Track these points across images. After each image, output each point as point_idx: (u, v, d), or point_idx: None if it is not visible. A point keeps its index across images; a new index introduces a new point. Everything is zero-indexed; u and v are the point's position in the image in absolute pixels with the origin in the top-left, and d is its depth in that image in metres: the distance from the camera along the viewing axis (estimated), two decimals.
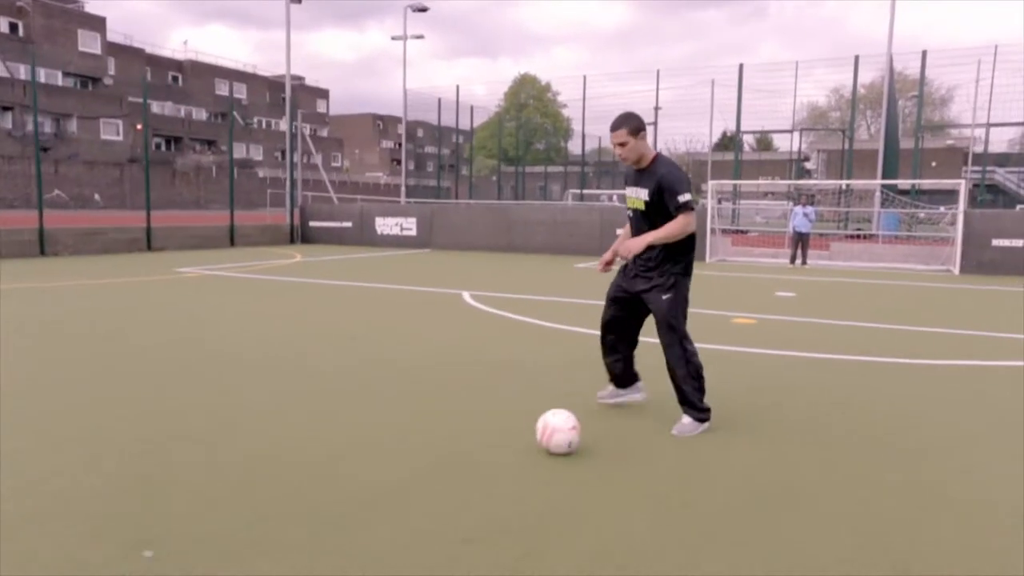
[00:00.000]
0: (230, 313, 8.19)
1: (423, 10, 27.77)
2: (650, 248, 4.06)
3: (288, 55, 24.08)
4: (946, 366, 5.98)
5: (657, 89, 24.91)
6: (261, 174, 52.64)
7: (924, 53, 19.42)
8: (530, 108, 73.98)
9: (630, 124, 4.11)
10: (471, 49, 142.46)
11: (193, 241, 19.76)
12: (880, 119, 64.00)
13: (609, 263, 4.40)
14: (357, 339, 6.72)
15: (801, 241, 15.63)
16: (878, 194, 20.50)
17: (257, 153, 63.88)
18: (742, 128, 23.49)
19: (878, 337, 7.22)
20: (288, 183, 23.10)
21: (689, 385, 4.13)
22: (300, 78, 77.75)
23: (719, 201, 21.76)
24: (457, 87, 29.52)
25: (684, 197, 3.96)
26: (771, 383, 5.30)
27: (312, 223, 22.69)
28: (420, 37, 28.98)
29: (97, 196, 35.63)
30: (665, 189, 4.02)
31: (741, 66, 22.17)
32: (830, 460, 3.68)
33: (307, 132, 28.71)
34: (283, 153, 71.47)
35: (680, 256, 4.12)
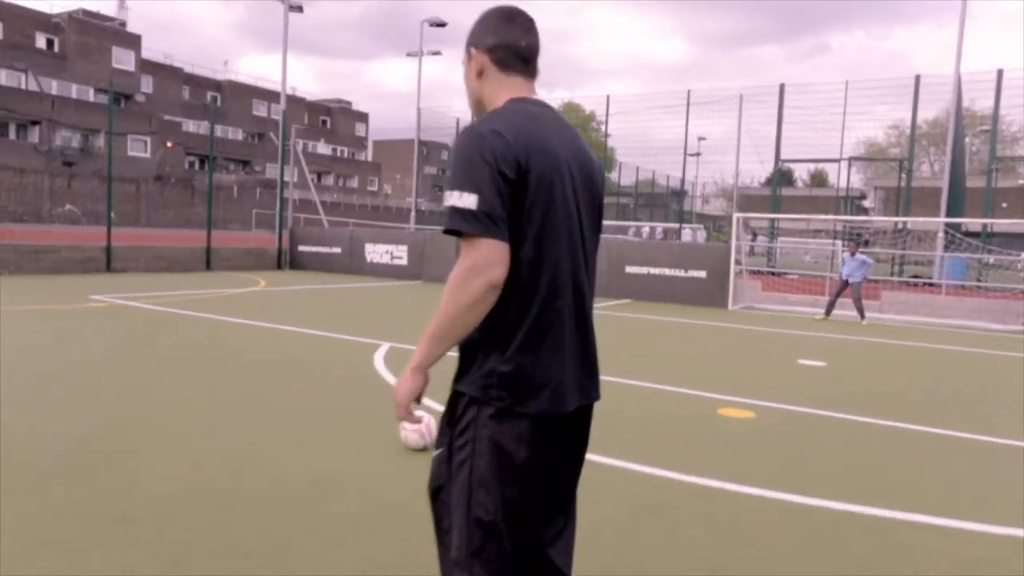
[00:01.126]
0: (29, 362, 6.04)
1: (441, 25, 26.07)
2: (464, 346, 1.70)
3: (284, 65, 22.53)
4: None
5: (688, 107, 22.43)
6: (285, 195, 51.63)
7: (1000, 72, 16.58)
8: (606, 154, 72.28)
9: (468, 34, 1.85)
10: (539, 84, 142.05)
11: (161, 263, 18.04)
12: (944, 156, 59.97)
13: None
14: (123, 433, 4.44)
15: (853, 292, 12.71)
16: (941, 235, 17.52)
17: (291, 175, 63.36)
18: (785, 157, 20.81)
19: (942, 459, 4.62)
20: (278, 203, 21.37)
21: None
22: (347, 103, 77.67)
23: (753, 236, 19.06)
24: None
25: (453, 199, 1.58)
26: None
27: (301, 247, 20.85)
28: (437, 53, 27.26)
29: (112, 213, 34.83)
30: None
31: (782, 87, 19.61)
32: None
33: (299, 148, 27.04)
34: (319, 175, 71.33)
35: (482, 342, 1.65)
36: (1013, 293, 13.24)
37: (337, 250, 20.13)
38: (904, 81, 18.54)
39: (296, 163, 24.43)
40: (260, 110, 63.07)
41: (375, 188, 73.68)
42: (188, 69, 56.14)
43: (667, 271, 15.00)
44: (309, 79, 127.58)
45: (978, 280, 16.73)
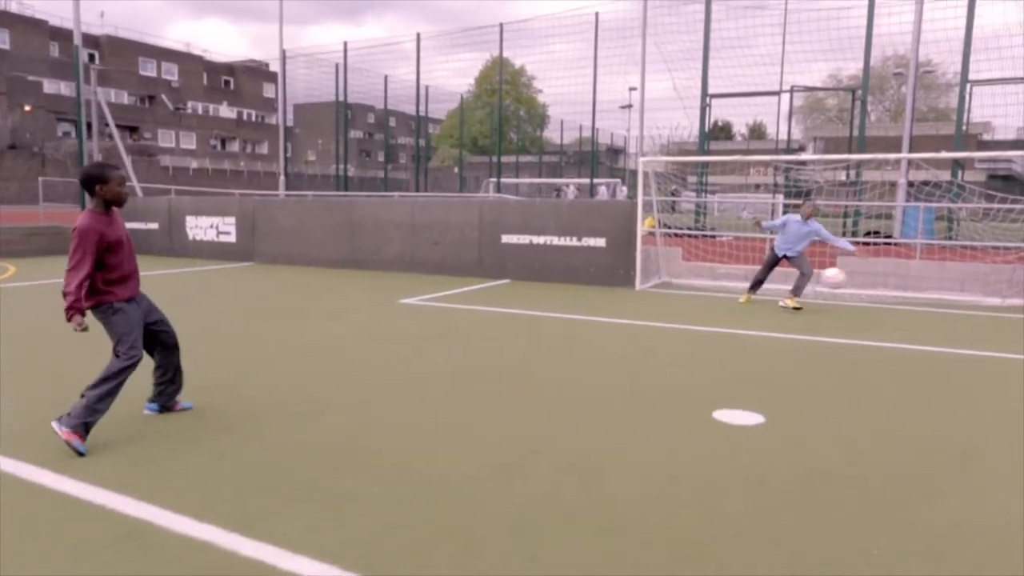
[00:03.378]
0: None
1: None
2: None
3: (77, 7, 17.40)
4: None
5: (596, 32, 18.29)
6: (166, 162, 46.00)
7: None
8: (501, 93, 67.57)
9: None
10: (468, 42, 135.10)
11: None
12: (881, 106, 57.31)
13: None
14: None
15: (802, 266, 8.79)
16: (903, 181, 14.09)
17: (190, 141, 57.24)
18: (715, 89, 17.04)
19: None
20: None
21: None
22: (255, 62, 70.90)
23: (674, 192, 15.30)
24: (345, 44, 22.96)
25: None
26: None
27: None
28: None
29: None
30: None
31: (708, 2, 15.72)
32: None
33: (102, 100, 22.06)
34: (223, 141, 64.90)
35: None
36: (1018, 253, 9.76)
37: (154, 226, 15.62)
38: (850, 31, 14.86)
39: (100, 118, 19.54)
40: (148, 69, 56.43)
41: (288, 154, 67.68)
42: (55, 22, 49.14)
43: (555, 240, 11.09)
44: (245, 45, 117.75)
45: (948, 235, 13.34)
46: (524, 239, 11.31)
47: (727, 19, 16.34)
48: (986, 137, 45.22)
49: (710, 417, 4.30)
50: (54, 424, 3.62)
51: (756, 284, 9.27)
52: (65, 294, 3.59)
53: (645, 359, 6.00)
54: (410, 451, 3.70)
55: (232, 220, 14.55)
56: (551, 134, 57.64)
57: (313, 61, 24.82)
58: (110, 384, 3.74)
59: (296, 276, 11.84)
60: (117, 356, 3.82)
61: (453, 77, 69.87)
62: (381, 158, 72.50)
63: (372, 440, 3.86)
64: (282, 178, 22.36)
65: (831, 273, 8.45)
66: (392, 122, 79.01)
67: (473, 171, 49.59)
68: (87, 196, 3.79)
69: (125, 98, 53.88)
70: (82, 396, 3.73)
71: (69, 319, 3.58)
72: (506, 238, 11.45)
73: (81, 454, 3.54)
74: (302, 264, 13.46)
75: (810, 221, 8.65)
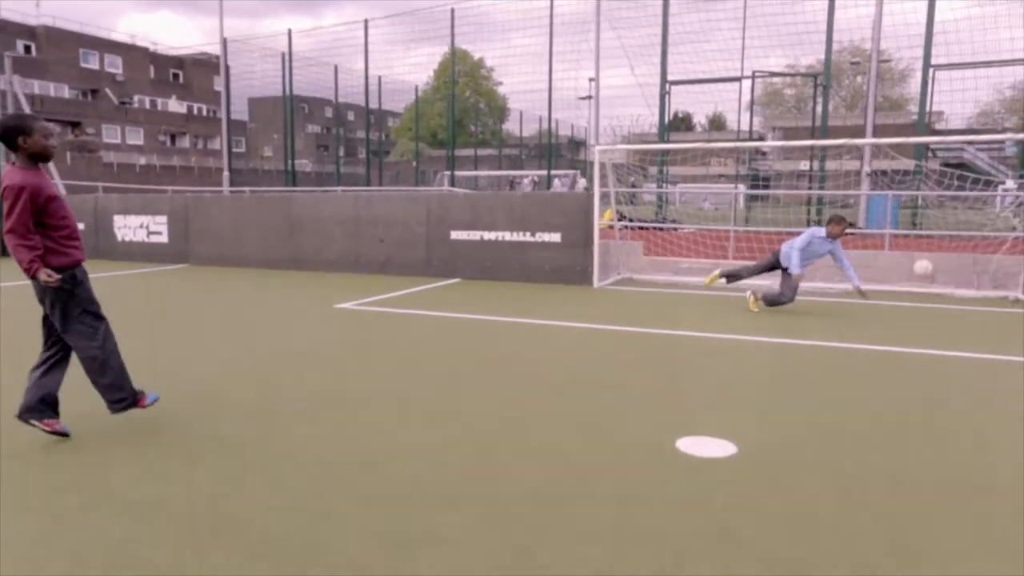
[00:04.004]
0: None
1: None
2: None
3: None
4: None
5: (551, 18, 17.62)
6: (110, 159, 44.07)
7: None
8: (460, 84, 66.76)
9: None
10: (424, 28, 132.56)
11: None
12: (839, 95, 58.00)
13: None
14: None
15: (786, 284, 7.77)
16: (867, 169, 13.71)
17: (137, 137, 55.06)
18: (675, 79, 16.49)
19: None
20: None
21: None
22: (204, 55, 68.58)
23: (634, 184, 14.69)
24: (289, 32, 21.87)
25: None
26: None
27: None
28: None
29: None
30: None
31: None
32: None
33: (18, 89, 20.62)
34: (173, 137, 62.62)
35: None
36: (988, 242, 9.35)
37: (80, 226, 14.39)
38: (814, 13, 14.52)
39: (16, 107, 18.22)
40: (91, 62, 54.05)
41: (242, 149, 65.65)
42: None
43: (507, 235, 10.38)
44: (199, 37, 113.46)
45: (914, 223, 13.01)
46: (474, 235, 10.56)
47: (688, 2, 15.86)
48: (939, 126, 45.89)
49: (673, 448, 3.62)
50: (115, 412, 3.79)
51: (735, 277, 8.47)
52: (15, 252, 3.36)
53: (598, 372, 5.33)
54: (288, 511, 2.94)
55: (163, 219, 13.51)
56: (512, 126, 56.94)
57: (266, 52, 23.72)
58: (100, 364, 3.66)
59: (229, 279, 10.92)
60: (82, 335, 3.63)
61: (414, 71, 68.55)
62: (340, 152, 70.73)
63: (251, 493, 3.09)
64: (226, 173, 21.18)
65: (924, 269, 8.91)
66: (351, 116, 77.47)
67: (433, 165, 48.65)
68: (8, 154, 3.47)
69: (66, 92, 51.45)
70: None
71: (34, 274, 3.37)
72: (455, 234, 10.68)
73: (153, 401, 3.90)
74: (240, 265, 12.52)
75: (835, 241, 7.76)
